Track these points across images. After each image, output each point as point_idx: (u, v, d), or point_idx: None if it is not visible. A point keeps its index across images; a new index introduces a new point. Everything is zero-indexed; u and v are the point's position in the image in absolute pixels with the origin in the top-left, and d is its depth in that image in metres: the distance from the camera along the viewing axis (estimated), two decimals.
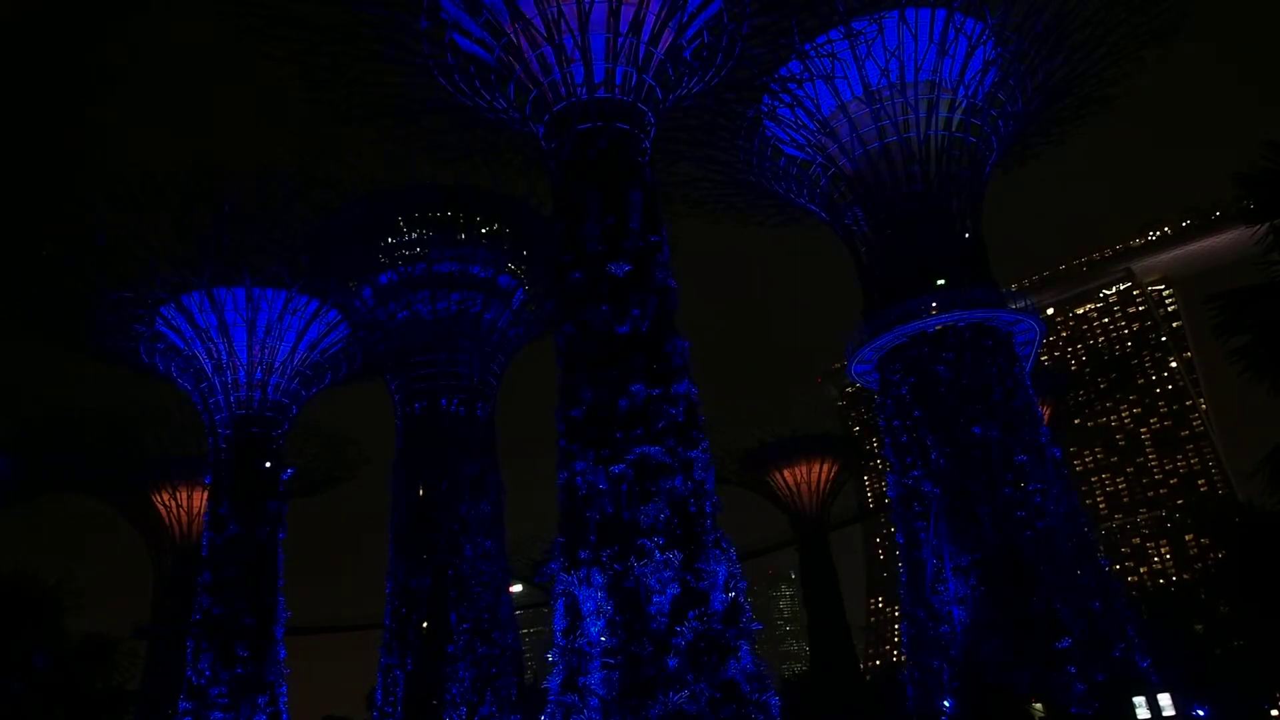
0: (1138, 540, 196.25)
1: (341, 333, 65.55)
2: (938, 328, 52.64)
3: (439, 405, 67.04)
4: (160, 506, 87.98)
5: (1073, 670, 44.84)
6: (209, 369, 61.36)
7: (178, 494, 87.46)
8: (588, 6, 39.57)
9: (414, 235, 66.57)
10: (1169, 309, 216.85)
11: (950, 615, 48.83)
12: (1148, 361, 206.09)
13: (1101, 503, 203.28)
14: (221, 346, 60.80)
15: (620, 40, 40.02)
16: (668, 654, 32.27)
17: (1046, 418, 70.48)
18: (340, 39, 44.77)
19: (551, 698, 33.98)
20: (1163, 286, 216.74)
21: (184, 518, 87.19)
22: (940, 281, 53.49)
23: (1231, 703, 46.69)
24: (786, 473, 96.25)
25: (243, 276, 59.43)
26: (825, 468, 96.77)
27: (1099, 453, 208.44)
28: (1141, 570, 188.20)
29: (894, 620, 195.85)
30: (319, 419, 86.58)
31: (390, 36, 43.47)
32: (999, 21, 52.16)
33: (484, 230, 67.22)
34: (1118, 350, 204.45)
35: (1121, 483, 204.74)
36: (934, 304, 52.83)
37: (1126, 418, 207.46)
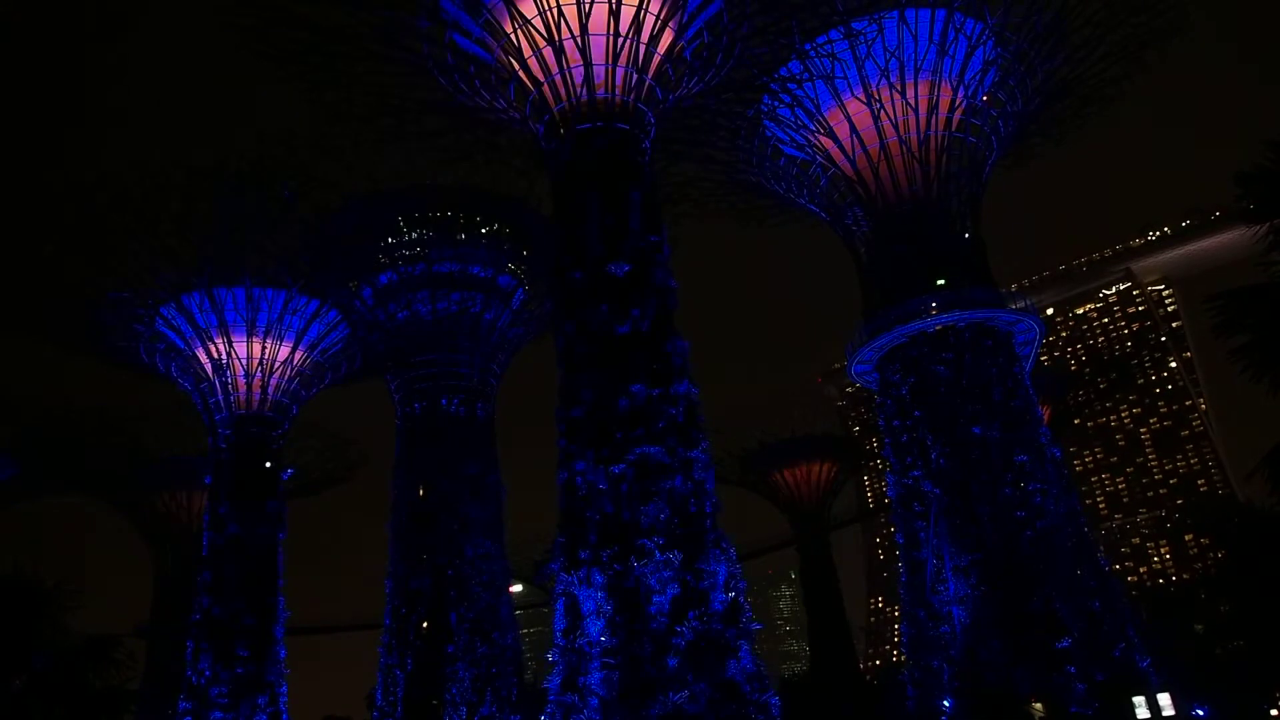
0: (1138, 540, 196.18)
1: (341, 333, 65.52)
2: (937, 328, 52.57)
3: (439, 405, 67.07)
4: (160, 506, 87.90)
5: (1073, 670, 44.80)
6: (209, 369, 61.33)
7: (178, 494, 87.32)
8: (588, 7, 39.58)
9: (414, 235, 66.60)
10: (1169, 309, 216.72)
11: (950, 615, 48.80)
12: (1148, 361, 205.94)
13: (1101, 503, 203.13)
14: (221, 346, 60.76)
15: (620, 41, 40.03)
16: (668, 654, 32.28)
17: (1046, 418, 70.38)
18: (340, 39, 44.80)
19: (551, 698, 33.98)
20: (1163, 286, 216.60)
21: (184, 518, 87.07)
22: (940, 281, 53.43)
23: (1231, 703, 46.62)
24: (786, 473, 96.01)
25: (243, 276, 59.41)
26: (825, 468, 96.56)
27: (1099, 453, 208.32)
28: (1141, 570, 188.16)
29: (894, 620, 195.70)
30: (319, 419, 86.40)
31: (390, 37, 43.50)
32: (999, 21, 52.12)
33: (484, 230, 67.25)
34: (1118, 350, 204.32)
35: (1121, 483, 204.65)
36: (934, 304, 52.77)
37: (1126, 418, 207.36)
